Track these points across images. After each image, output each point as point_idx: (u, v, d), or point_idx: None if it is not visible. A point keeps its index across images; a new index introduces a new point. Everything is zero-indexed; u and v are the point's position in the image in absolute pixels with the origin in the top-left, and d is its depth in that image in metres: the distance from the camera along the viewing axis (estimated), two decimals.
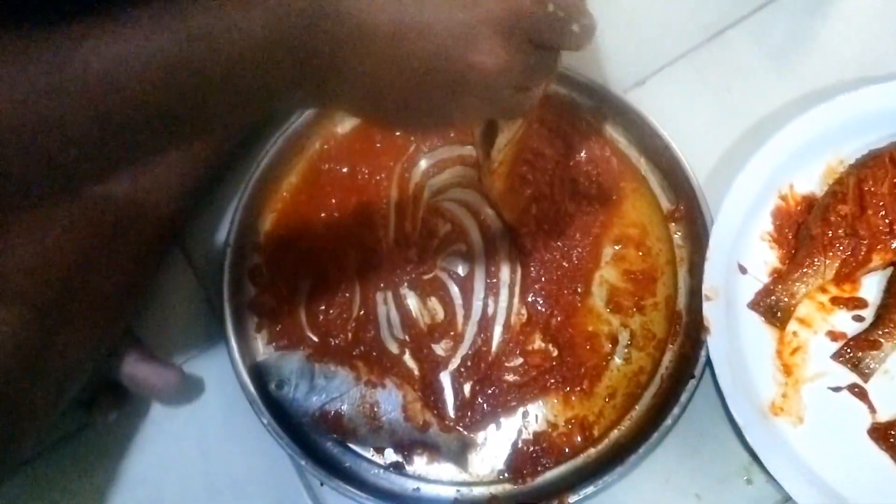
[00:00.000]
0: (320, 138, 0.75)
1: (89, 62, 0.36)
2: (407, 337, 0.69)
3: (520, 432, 0.66)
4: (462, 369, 0.67)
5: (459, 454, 0.64)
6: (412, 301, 0.70)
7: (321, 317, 0.69)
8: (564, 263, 0.70)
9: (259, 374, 0.66)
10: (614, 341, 0.68)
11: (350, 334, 0.69)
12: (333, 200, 0.74)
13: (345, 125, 0.75)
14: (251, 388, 0.64)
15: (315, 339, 0.69)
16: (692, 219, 0.69)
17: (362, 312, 0.70)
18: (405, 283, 0.70)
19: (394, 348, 0.68)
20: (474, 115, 0.50)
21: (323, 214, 0.73)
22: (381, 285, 0.70)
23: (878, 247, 0.64)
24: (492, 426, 0.66)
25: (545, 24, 0.44)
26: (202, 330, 0.70)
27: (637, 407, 0.65)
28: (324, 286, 0.70)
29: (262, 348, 0.69)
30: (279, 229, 0.73)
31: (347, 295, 0.70)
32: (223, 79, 0.39)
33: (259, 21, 0.38)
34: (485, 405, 0.66)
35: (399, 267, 0.70)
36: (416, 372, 0.68)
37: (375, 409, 0.64)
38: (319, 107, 0.66)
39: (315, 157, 0.75)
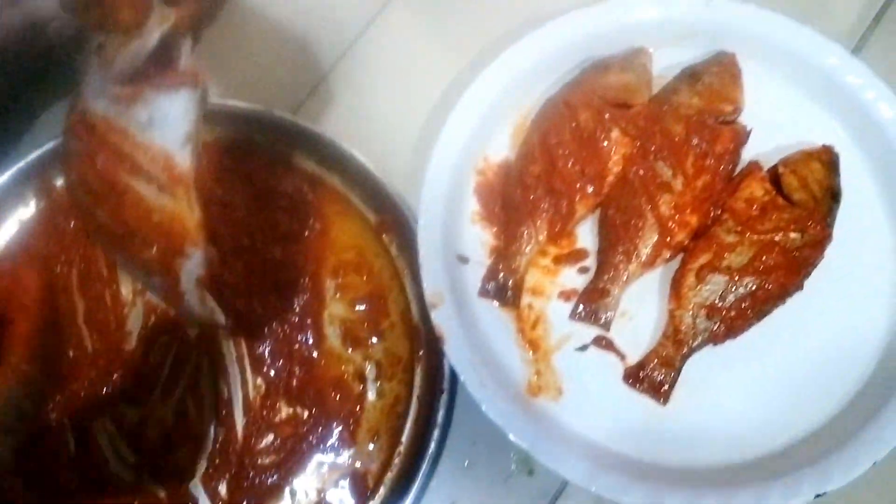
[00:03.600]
0: None
1: None
2: (140, 457, 0.61)
3: None
4: (211, 470, 0.60)
5: None
6: (134, 415, 0.62)
7: (34, 470, 0.59)
8: (288, 315, 0.64)
9: None
10: (362, 378, 0.63)
11: (73, 479, 0.60)
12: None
13: None
14: None
15: (36, 499, 0.59)
16: (401, 224, 0.65)
17: (80, 449, 0.61)
18: (120, 398, 0.61)
19: (128, 476, 0.60)
20: None
21: None
22: (93, 410, 0.61)
23: (578, 196, 0.63)
24: None
25: None
26: None
27: (403, 440, 0.62)
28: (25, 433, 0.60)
29: None
30: None
31: (57, 435, 0.60)
32: None
33: None
34: (247, 499, 0.60)
35: (104, 381, 0.61)
36: (161, 493, 0.60)
37: None
38: None
39: None
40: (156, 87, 0.43)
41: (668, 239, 0.61)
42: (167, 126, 0.43)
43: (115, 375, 0.62)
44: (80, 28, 0.46)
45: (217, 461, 0.60)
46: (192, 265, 0.46)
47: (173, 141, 0.43)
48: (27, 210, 0.67)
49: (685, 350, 0.60)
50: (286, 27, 0.72)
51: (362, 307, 0.65)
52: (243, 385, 0.63)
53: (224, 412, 0.62)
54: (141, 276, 0.53)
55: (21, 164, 0.65)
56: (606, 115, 0.63)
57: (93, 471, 0.60)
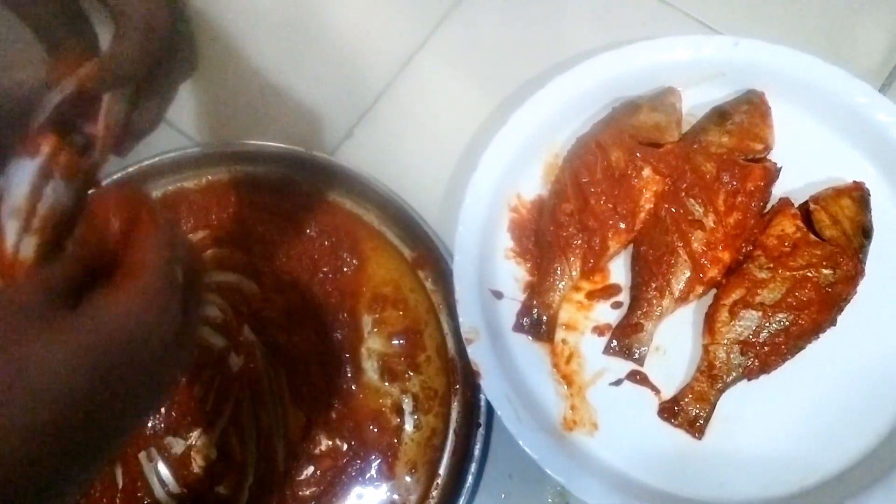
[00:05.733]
0: None
1: None
2: (184, 489, 0.62)
3: None
4: (253, 502, 0.62)
5: None
6: (179, 448, 0.63)
7: (83, 501, 0.61)
8: (326, 350, 0.65)
9: None
10: (400, 411, 0.64)
11: None
12: None
13: None
14: None
15: None
16: (436, 260, 0.66)
17: (127, 480, 0.62)
18: (165, 432, 0.63)
19: None
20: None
21: None
22: (140, 443, 0.63)
23: (610, 232, 0.64)
24: None
25: None
26: None
27: (440, 472, 0.62)
28: None
29: None
30: None
31: (106, 467, 0.62)
32: None
33: None
34: None
35: (152, 417, 0.63)
36: None
37: None
38: None
39: None
40: (18, 146, 0.39)
41: (701, 275, 0.62)
42: (7, 198, 0.38)
43: (161, 408, 0.64)
44: None
45: (259, 492, 0.62)
46: None
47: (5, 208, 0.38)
48: None
49: (720, 385, 0.61)
50: (323, 74, 0.75)
51: (399, 341, 0.66)
52: (284, 418, 0.64)
53: (265, 445, 0.63)
54: None
55: None
56: (637, 154, 0.64)
57: (140, 502, 0.61)
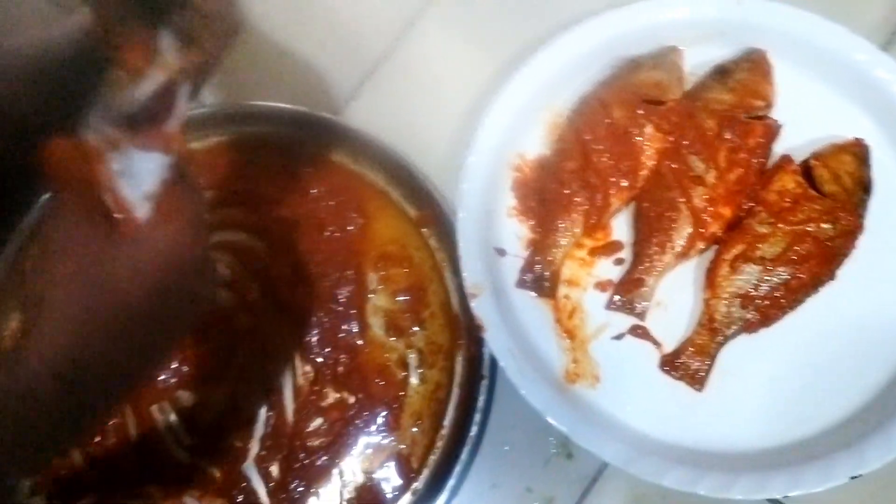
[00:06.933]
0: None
1: None
2: (195, 440, 0.64)
3: (341, 494, 0.63)
4: (264, 452, 0.63)
5: None
6: (189, 400, 0.65)
7: (99, 452, 0.63)
8: (332, 306, 0.67)
9: None
10: (405, 366, 0.66)
11: (134, 459, 0.63)
12: None
13: None
14: None
15: (97, 479, 0.62)
16: (439, 218, 0.67)
17: (140, 432, 0.64)
18: (177, 385, 0.65)
19: (185, 457, 0.63)
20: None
21: None
22: (152, 396, 0.64)
23: (612, 190, 0.65)
24: (312, 498, 0.62)
25: None
26: None
27: (445, 424, 0.64)
28: None
29: None
30: None
31: (119, 419, 0.64)
32: None
33: None
34: (298, 480, 0.63)
35: (164, 371, 0.65)
36: (217, 474, 0.63)
37: None
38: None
39: None
40: (133, 142, 0.43)
41: (702, 230, 0.63)
42: (133, 181, 0.43)
43: (172, 362, 0.65)
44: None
45: (269, 443, 0.63)
46: None
47: (136, 196, 0.43)
48: None
49: (720, 338, 0.62)
50: (327, 36, 0.75)
51: (404, 298, 0.67)
52: (292, 372, 0.65)
53: (275, 397, 0.64)
54: None
55: None
56: (640, 111, 0.65)
57: (152, 453, 0.63)
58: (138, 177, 0.42)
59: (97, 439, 0.64)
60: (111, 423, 0.64)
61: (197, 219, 0.45)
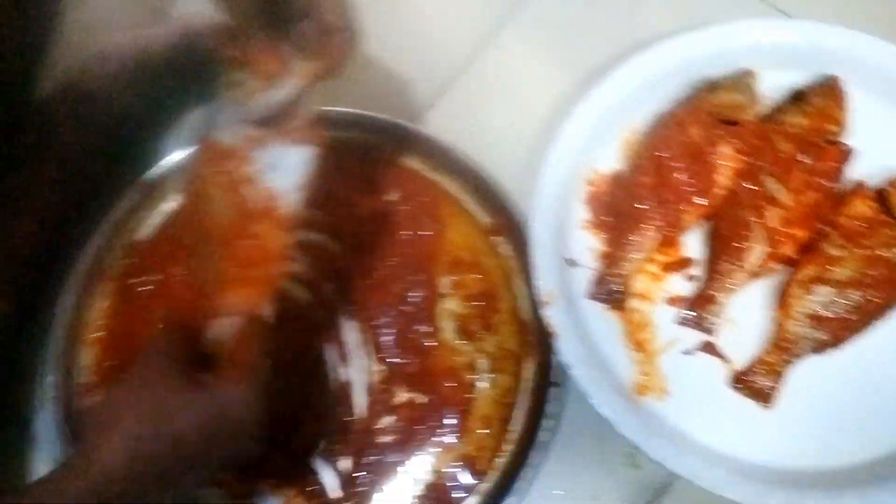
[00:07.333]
0: (121, 254, 0.70)
1: None
2: (269, 430, 0.65)
3: (409, 491, 0.64)
4: (335, 446, 0.65)
5: None
6: None
7: None
8: (405, 308, 0.68)
9: None
10: (474, 369, 0.67)
11: None
12: (155, 310, 0.69)
13: (141, 232, 0.71)
14: None
15: None
16: (512, 227, 0.69)
17: None
18: None
19: (257, 448, 0.64)
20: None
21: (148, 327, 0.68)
22: None
23: (687, 207, 0.66)
24: (380, 494, 0.64)
25: None
26: None
27: (512, 429, 0.65)
28: None
29: None
30: (106, 358, 0.68)
31: None
32: None
33: None
34: (367, 475, 0.64)
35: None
36: (289, 465, 0.65)
37: None
38: None
39: (121, 273, 0.70)
40: (281, 137, 0.48)
41: (776, 251, 0.64)
42: (284, 173, 0.48)
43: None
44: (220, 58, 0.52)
45: (340, 438, 0.65)
46: None
47: (286, 187, 0.48)
48: (168, 204, 0.73)
49: (790, 357, 0.63)
50: (409, 45, 0.77)
51: (475, 303, 0.69)
52: (365, 370, 0.67)
53: (347, 394, 0.66)
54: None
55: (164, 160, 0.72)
56: (717, 131, 0.66)
57: None
58: (287, 169, 0.47)
59: None
60: None
61: (262, 387, 0.51)
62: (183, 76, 0.73)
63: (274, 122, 0.47)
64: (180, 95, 0.74)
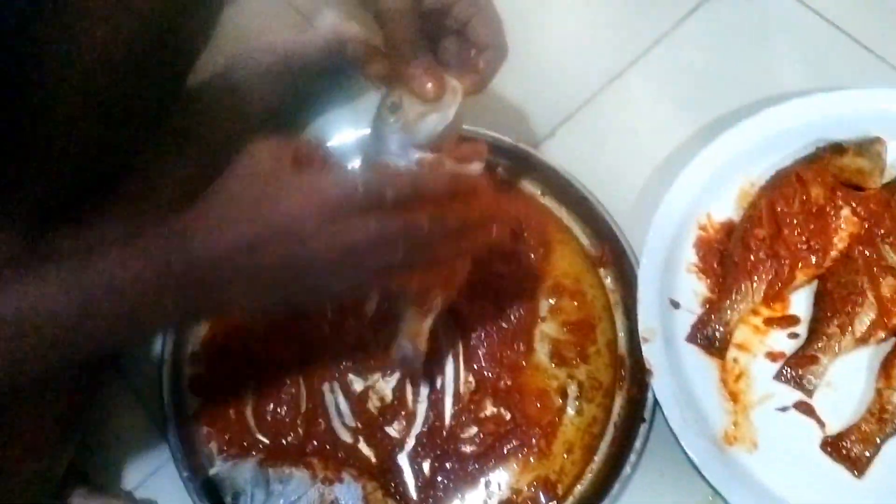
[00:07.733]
0: None
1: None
2: (359, 423, 0.68)
3: (485, 503, 0.65)
4: (418, 448, 0.67)
5: None
6: (359, 386, 0.69)
7: (269, 417, 0.68)
8: (503, 324, 0.70)
9: (213, 488, 0.64)
10: (564, 395, 0.68)
11: (301, 430, 0.68)
12: None
13: None
14: None
15: (266, 441, 0.68)
16: (619, 261, 0.70)
17: (310, 406, 0.69)
18: (349, 370, 0.69)
19: (347, 437, 0.68)
20: (345, 288, 0.50)
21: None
22: (326, 375, 0.69)
23: (800, 264, 0.66)
24: (456, 501, 0.65)
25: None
26: (150, 451, 0.68)
27: (595, 458, 0.66)
28: (267, 386, 0.69)
29: (214, 460, 0.67)
30: (215, 336, 0.72)
31: (293, 391, 0.69)
32: (125, 317, 0.46)
33: (151, 271, 0.44)
34: (446, 481, 0.66)
35: (340, 354, 0.70)
36: (373, 458, 0.67)
37: None
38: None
39: None
40: (453, 159, 0.50)
41: (886, 320, 0.63)
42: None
43: (349, 349, 0.70)
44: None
45: (425, 441, 0.67)
46: None
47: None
48: None
49: (889, 429, 0.61)
50: (536, 74, 0.80)
51: (572, 330, 0.70)
52: (456, 379, 0.69)
53: (436, 398, 0.68)
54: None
55: None
56: (839, 193, 0.66)
57: (318, 427, 0.68)
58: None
59: (270, 406, 0.68)
60: (286, 393, 0.69)
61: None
62: (328, 78, 0.78)
63: (439, 143, 0.49)
64: (323, 95, 0.79)
